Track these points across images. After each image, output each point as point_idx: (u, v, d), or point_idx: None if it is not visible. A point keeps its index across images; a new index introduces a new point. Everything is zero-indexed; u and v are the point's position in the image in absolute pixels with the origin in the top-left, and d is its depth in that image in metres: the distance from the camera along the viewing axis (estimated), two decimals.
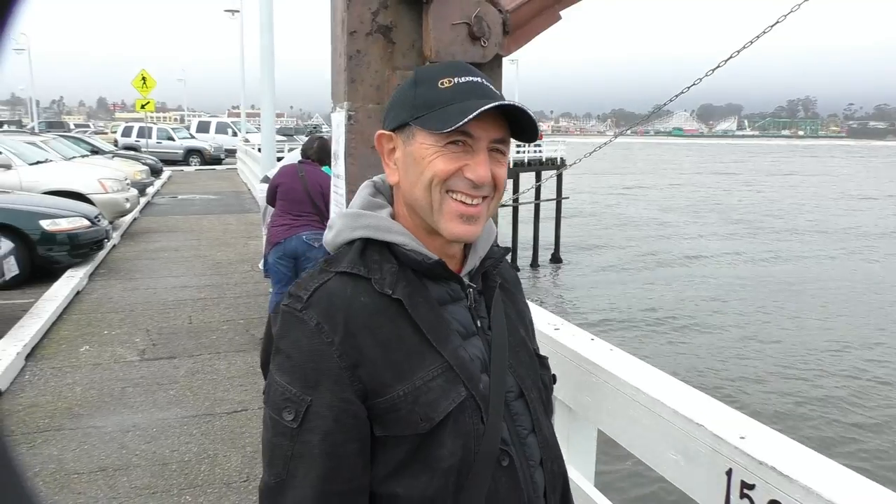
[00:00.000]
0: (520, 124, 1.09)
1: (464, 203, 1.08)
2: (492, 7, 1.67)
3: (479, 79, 1.10)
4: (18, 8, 0.31)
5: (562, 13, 1.82)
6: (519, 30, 1.77)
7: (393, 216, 1.17)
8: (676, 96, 3.79)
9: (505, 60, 1.99)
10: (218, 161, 30.30)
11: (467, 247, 1.19)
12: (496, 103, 1.02)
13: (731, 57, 3.37)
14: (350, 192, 1.82)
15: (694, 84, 3.43)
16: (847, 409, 8.36)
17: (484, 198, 1.10)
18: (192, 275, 9.08)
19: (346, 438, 1.02)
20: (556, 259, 25.52)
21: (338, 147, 1.91)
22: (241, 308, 7.48)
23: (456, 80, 1.08)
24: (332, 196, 2.03)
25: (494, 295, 1.21)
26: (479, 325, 1.15)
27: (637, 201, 30.01)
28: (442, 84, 1.08)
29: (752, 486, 1.54)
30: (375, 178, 1.25)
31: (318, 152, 5.96)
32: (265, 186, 6.69)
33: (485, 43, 1.69)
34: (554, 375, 1.35)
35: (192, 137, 31.87)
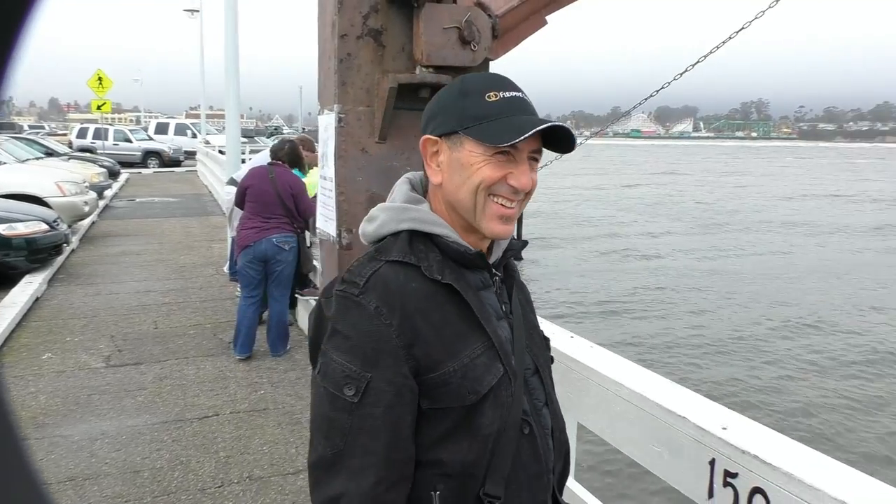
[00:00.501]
0: (555, 138, 1.20)
1: (504, 206, 1.20)
2: (481, 12, 1.70)
3: (520, 94, 1.21)
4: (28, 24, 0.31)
5: (547, 18, 1.86)
6: (507, 34, 1.81)
7: (430, 211, 1.27)
8: (640, 103, 3.87)
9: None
10: (177, 163, 29.74)
11: (493, 241, 1.31)
12: (548, 125, 1.14)
13: (696, 63, 3.46)
14: (340, 194, 1.84)
15: (657, 92, 3.51)
16: (808, 393, 8.61)
17: (519, 201, 1.22)
18: (156, 279, 8.92)
19: (404, 411, 1.13)
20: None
21: (326, 149, 1.92)
22: (207, 312, 7.37)
23: (502, 94, 1.19)
24: (320, 197, 2.04)
25: (515, 283, 1.36)
26: (503, 309, 1.28)
27: (595, 201, 30.44)
28: (489, 97, 1.18)
29: (735, 475, 1.61)
30: (410, 175, 1.36)
31: (289, 154, 5.92)
32: (232, 189, 6.61)
33: (475, 47, 1.72)
34: (552, 357, 1.47)
35: (151, 139, 31.21)
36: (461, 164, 1.19)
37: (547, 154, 1.32)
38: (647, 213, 26.99)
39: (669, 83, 3.53)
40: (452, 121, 1.20)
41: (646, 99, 3.92)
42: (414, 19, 1.75)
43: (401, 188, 1.32)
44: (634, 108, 4.19)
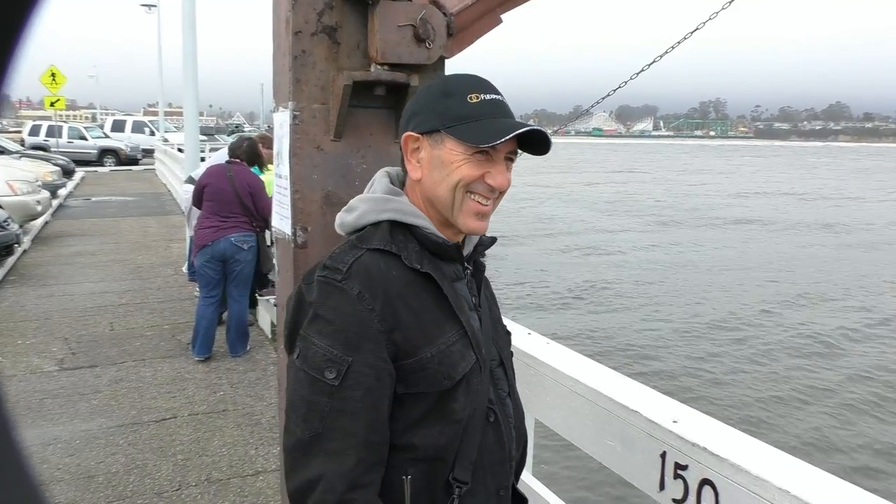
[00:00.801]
0: (530, 140, 1.24)
1: (480, 203, 1.25)
2: (436, 10, 1.71)
3: (500, 97, 1.26)
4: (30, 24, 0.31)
5: (503, 16, 1.88)
6: (462, 32, 1.81)
7: (410, 203, 1.31)
8: (599, 102, 3.92)
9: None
10: (134, 161, 29.13)
11: (464, 237, 1.36)
12: (528, 128, 1.19)
13: (650, 64, 3.51)
14: (296, 192, 1.82)
15: (613, 92, 3.56)
16: (759, 385, 8.83)
17: (495, 199, 1.27)
18: (112, 280, 8.74)
19: (383, 394, 1.17)
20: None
21: (281, 147, 1.90)
22: (165, 313, 7.25)
23: (483, 96, 1.24)
24: (276, 196, 2.02)
25: (483, 277, 1.42)
26: (473, 301, 1.34)
27: (557, 199, 30.75)
28: (471, 99, 1.23)
29: (685, 467, 1.64)
30: (389, 169, 1.40)
31: (247, 152, 5.84)
32: (190, 187, 6.50)
33: (429, 45, 1.72)
34: (512, 351, 1.52)
35: (107, 137, 30.49)
36: (441, 162, 1.23)
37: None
38: (606, 211, 27.35)
39: (626, 83, 3.58)
40: (434, 119, 1.24)
41: (600, 101, 3.96)
42: (369, 17, 1.75)
43: (381, 181, 1.36)
44: (590, 108, 4.24)
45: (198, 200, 5.78)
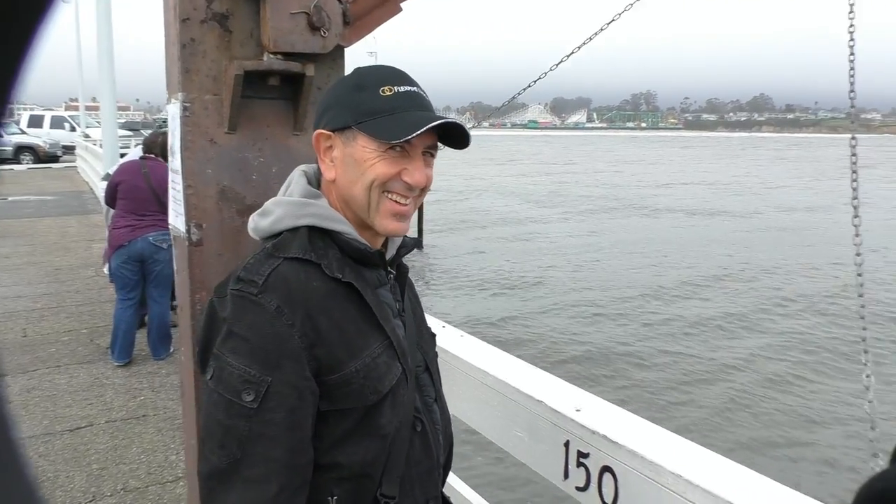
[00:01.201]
0: (451, 134, 1.20)
1: (398, 203, 1.18)
2: None
3: (415, 88, 1.19)
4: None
5: (402, 5, 1.84)
6: (359, 21, 1.77)
7: (329, 206, 1.24)
8: (520, 93, 3.95)
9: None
10: (54, 159, 27.84)
11: (386, 237, 1.30)
12: (441, 121, 1.13)
13: (561, 61, 3.54)
14: (188, 187, 1.75)
15: (532, 83, 3.58)
16: (665, 370, 9.11)
17: (414, 198, 1.21)
18: (26, 283, 8.33)
19: (305, 413, 1.09)
20: (418, 245, 26.27)
21: (174, 140, 1.83)
22: (83, 317, 6.96)
23: (397, 88, 1.16)
24: (170, 191, 1.94)
25: (406, 280, 1.37)
26: (398, 307, 1.28)
27: (492, 191, 31.02)
28: (384, 92, 1.16)
29: (586, 455, 1.65)
30: (306, 168, 1.31)
31: (163, 147, 5.64)
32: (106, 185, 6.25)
33: (325, 33, 1.68)
34: (436, 353, 1.48)
35: (23, 133, 29.05)
36: (355, 160, 1.16)
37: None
38: (539, 202, 27.76)
39: (534, 83, 3.61)
40: (346, 115, 1.17)
41: (521, 91, 3.99)
42: (260, 4, 1.69)
43: (299, 181, 1.27)
44: (516, 95, 4.28)
45: (111, 199, 5.54)
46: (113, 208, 5.58)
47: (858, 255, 1.96)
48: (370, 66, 1.25)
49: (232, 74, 1.66)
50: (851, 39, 2.20)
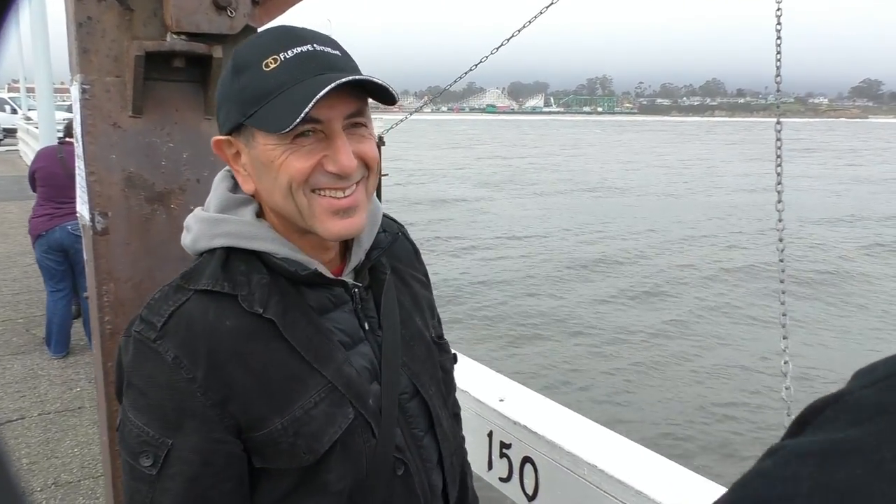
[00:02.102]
0: (369, 89, 0.93)
1: (334, 198, 0.94)
2: None
3: (310, 46, 0.91)
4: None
5: None
6: (270, 0, 1.70)
7: (259, 214, 1.01)
8: (459, 77, 3.91)
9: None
10: None
11: (350, 239, 1.05)
12: (327, 88, 0.85)
13: (500, 45, 3.51)
14: (91, 174, 1.67)
15: (472, 68, 3.55)
16: (595, 361, 9.25)
17: (356, 184, 0.95)
18: None
19: (217, 480, 0.92)
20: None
21: (76, 125, 1.74)
22: (20, 306, 6.71)
23: (283, 55, 0.90)
24: (77, 178, 1.85)
25: (385, 289, 1.09)
26: (367, 327, 1.04)
27: (450, 177, 31.06)
28: (266, 66, 0.90)
29: (509, 446, 1.63)
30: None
31: None
32: None
33: (231, 13, 1.60)
34: (455, 355, 1.28)
35: None
36: (263, 164, 0.93)
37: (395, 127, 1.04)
38: (496, 187, 27.87)
39: (475, 65, 3.58)
40: (234, 111, 0.93)
41: (463, 75, 3.94)
42: None
43: (217, 188, 1.04)
44: (448, 87, 4.25)
45: (33, 186, 5.30)
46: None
47: (781, 240, 1.98)
48: (252, 37, 1.00)
49: (133, 55, 1.57)
50: (778, 23, 2.21)
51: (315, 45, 0.92)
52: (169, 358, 0.90)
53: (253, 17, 1.66)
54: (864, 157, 47.79)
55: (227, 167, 1.05)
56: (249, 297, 0.94)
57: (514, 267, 13.87)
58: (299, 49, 0.90)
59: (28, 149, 19.58)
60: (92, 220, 1.68)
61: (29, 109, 28.98)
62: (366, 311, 1.05)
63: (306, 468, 0.95)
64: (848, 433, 0.42)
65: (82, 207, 1.78)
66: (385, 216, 1.15)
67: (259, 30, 1.77)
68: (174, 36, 1.59)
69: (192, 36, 1.60)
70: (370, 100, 0.96)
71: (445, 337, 1.25)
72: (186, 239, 1.04)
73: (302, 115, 0.85)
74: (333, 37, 0.97)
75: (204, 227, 1.01)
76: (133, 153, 1.69)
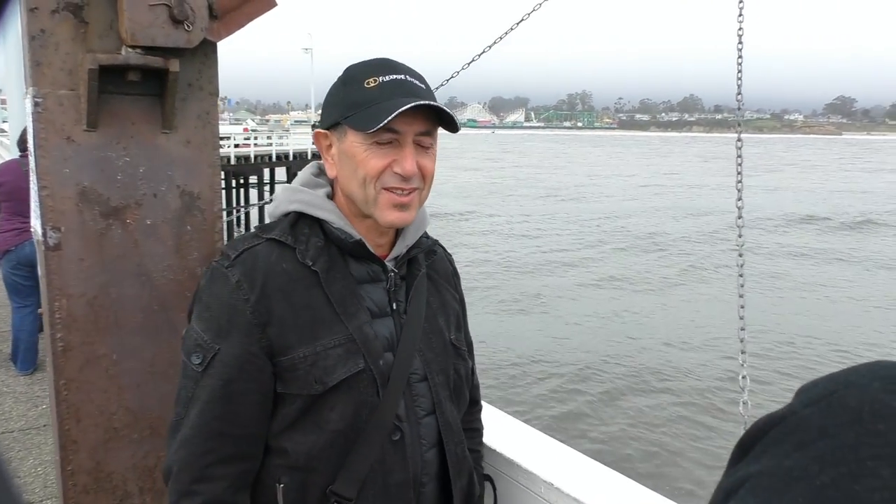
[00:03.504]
0: (440, 116, 1.17)
1: (396, 195, 1.17)
2: None
3: (402, 76, 1.18)
4: None
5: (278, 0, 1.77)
6: (228, 14, 1.69)
7: (330, 196, 1.26)
8: (435, 89, 3.90)
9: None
10: None
11: (399, 235, 1.29)
12: (409, 105, 1.09)
13: (480, 55, 3.51)
14: (43, 188, 1.64)
15: (444, 83, 3.54)
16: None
17: (414, 189, 1.19)
18: None
19: (247, 388, 1.12)
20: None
21: (29, 138, 1.71)
22: None
23: (381, 79, 1.16)
24: (31, 192, 1.82)
25: (416, 282, 1.29)
26: (394, 307, 1.25)
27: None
28: (368, 84, 1.16)
29: None
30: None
31: None
32: None
33: (189, 27, 1.59)
34: (473, 368, 1.42)
35: None
36: (348, 156, 1.18)
37: None
38: (480, 198, 28.01)
39: (452, 77, 3.58)
40: (336, 112, 1.19)
41: (438, 87, 3.94)
42: None
43: (305, 170, 1.31)
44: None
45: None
46: None
47: (741, 255, 1.99)
48: (360, 62, 1.24)
49: (86, 69, 1.55)
50: (740, 42, 2.23)
51: (407, 77, 1.19)
52: (233, 280, 1.15)
53: (211, 30, 1.65)
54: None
55: (315, 162, 1.33)
56: (305, 251, 1.18)
57: (473, 274, 13.95)
58: (394, 76, 1.18)
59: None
60: (44, 234, 1.65)
61: (3, 122, 28.65)
62: (396, 294, 1.26)
63: (314, 398, 1.13)
64: (792, 459, 0.42)
65: (35, 222, 1.75)
66: (439, 242, 1.41)
67: (218, 44, 1.76)
68: (129, 49, 1.57)
69: (149, 49, 1.58)
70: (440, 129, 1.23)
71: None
72: (271, 206, 1.29)
73: (385, 121, 1.10)
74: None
75: (286, 194, 1.27)
76: (87, 167, 1.66)
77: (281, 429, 1.16)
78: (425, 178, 1.21)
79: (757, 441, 0.45)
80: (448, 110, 1.16)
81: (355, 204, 1.21)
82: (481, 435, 1.49)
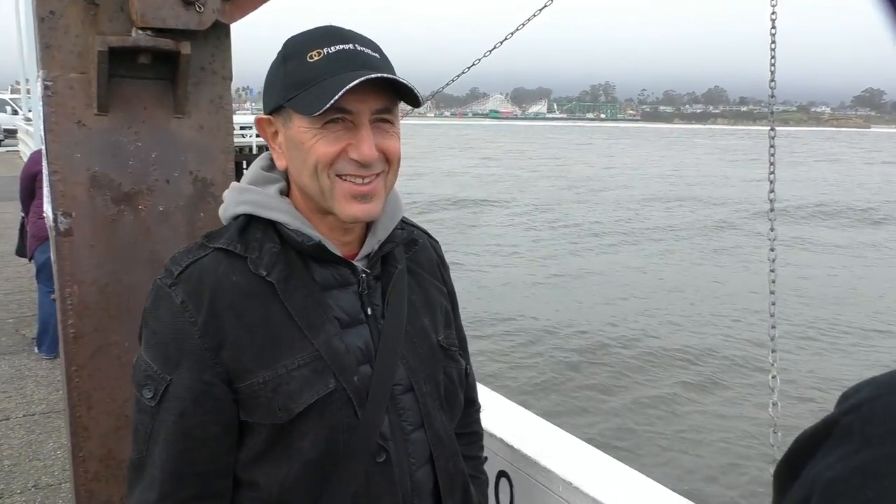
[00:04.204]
0: (399, 89, 1.01)
1: (355, 184, 1.01)
2: None
3: (351, 45, 1.00)
4: None
5: None
6: None
7: (285, 192, 1.10)
8: (454, 79, 3.86)
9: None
10: None
11: (368, 230, 1.12)
12: (359, 80, 0.93)
13: (482, 57, 3.47)
14: (54, 172, 1.61)
15: (465, 70, 3.50)
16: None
17: (377, 175, 1.03)
18: None
19: (205, 420, 1.00)
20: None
21: (40, 123, 1.68)
22: (11, 306, 6.67)
23: (326, 50, 0.99)
24: (44, 177, 1.80)
25: (393, 280, 1.13)
26: (369, 312, 1.09)
27: (441, 183, 31.22)
28: (311, 57, 0.99)
29: (485, 459, 1.58)
30: None
31: None
32: None
33: (200, 8, 1.55)
34: (468, 367, 1.27)
35: None
36: (295, 144, 1.02)
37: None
38: (501, 190, 27.91)
39: (480, 60, 3.53)
40: (277, 93, 1.03)
41: (457, 77, 3.90)
42: None
43: (254, 165, 1.14)
44: (445, 86, 4.20)
45: (30, 192, 5.20)
46: (29, 201, 5.24)
47: (772, 250, 1.92)
48: (302, 32, 1.07)
49: (96, 51, 1.52)
50: (773, 27, 2.16)
51: (356, 45, 1.01)
52: (178, 301, 1.00)
53: (223, 12, 1.61)
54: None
55: (266, 153, 1.14)
56: (258, 260, 1.02)
57: (495, 272, 13.87)
58: (342, 46, 1.00)
59: (28, 149, 19.56)
60: (55, 220, 1.63)
61: (29, 110, 28.98)
62: (371, 298, 1.10)
63: (281, 427, 1.00)
64: (834, 470, 0.39)
65: (47, 207, 1.72)
66: (418, 227, 1.25)
67: (231, 26, 1.72)
68: (139, 31, 1.54)
69: (159, 31, 1.55)
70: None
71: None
72: (220, 209, 1.13)
73: (331, 101, 0.93)
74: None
75: (232, 195, 1.10)
76: (98, 152, 1.64)
77: (249, 460, 1.03)
78: (390, 161, 1.04)
79: (808, 458, 0.42)
80: (407, 82, 0.99)
81: (312, 199, 1.05)
82: (481, 438, 1.34)
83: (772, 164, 2.12)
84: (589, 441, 1.60)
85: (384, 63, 1.03)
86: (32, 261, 5.49)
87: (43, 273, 5.30)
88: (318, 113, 0.95)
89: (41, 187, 5.13)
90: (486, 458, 1.34)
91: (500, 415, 1.64)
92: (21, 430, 4.18)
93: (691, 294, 12.87)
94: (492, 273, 14.11)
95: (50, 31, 1.53)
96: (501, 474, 1.54)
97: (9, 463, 3.79)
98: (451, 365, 1.18)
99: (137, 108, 1.66)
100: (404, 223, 1.18)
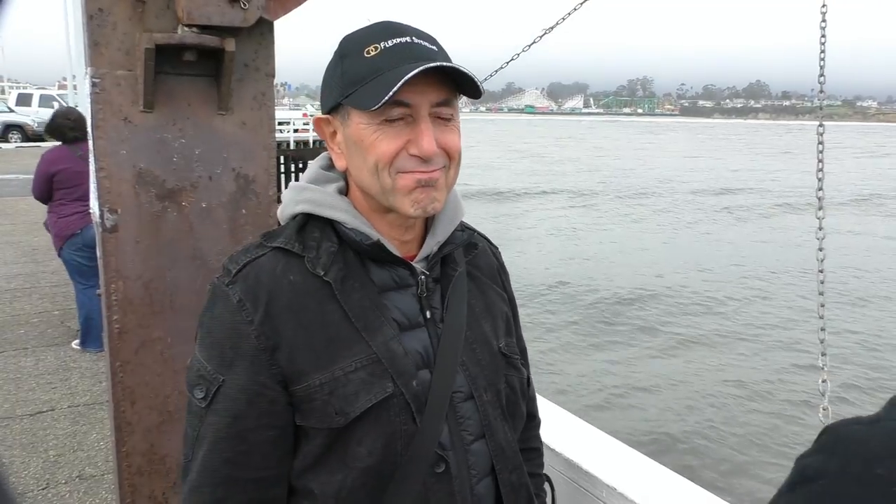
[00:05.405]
0: (459, 81, 0.98)
1: (417, 171, 0.98)
2: None
3: (408, 38, 0.98)
4: None
5: None
6: None
7: (344, 191, 1.08)
8: (491, 74, 3.83)
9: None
10: (42, 138, 27.53)
11: (427, 231, 1.09)
12: (417, 70, 0.90)
13: (531, 44, 3.43)
14: (101, 169, 1.63)
15: (504, 66, 3.47)
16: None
17: (439, 170, 0.99)
18: (2, 263, 8.19)
19: (258, 424, 0.96)
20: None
21: (88, 119, 1.70)
22: (57, 298, 6.83)
23: (383, 44, 0.97)
24: (91, 174, 1.82)
25: (453, 283, 1.09)
26: (428, 315, 1.05)
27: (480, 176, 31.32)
28: (368, 53, 0.97)
29: None
30: None
31: (56, 130, 5.33)
32: None
33: (245, 5, 1.55)
34: (529, 378, 1.23)
35: (11, 111, 28.69)
36: (354, 143, 0.99)
37: None
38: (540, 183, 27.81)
39: (518, 55, 3.51)
40: (334, 91, 1.00)
41: (495, 72, 3.88)
42: None
43: (314, 163, 1.12)
44: (487, 78, 4.15)
45: (47, 192, 5.28)
46: (46, 201, 5.34)
47: (821, 249, 1.86)
48: (356, 30, 1.04)
49: (143, 48, 1.53)
50: (823, 20, 2.09)
51: (413, 38, 0.98)
52: (234, 300, 0.97)
53: (267, 9, 1.61)
54: None
55: (325, 153, 1.12)
56: (315, 259, 1.00)
57: (538, 267, 13.80)
58: (398, 40, 0.97)
59: None
60: (101, 216, 1.64)
61: (75, 106, 29.72)
62: (430, 301, 1.06)
63: (337, 432, 0.96)
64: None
65: (94, 203, 1.75)
66: (478, 232, 1.22)
67: (275, 22, 1.72)
68: (185, 28, 1.54)
69: (205, 28, 1.55)
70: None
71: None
72: (279, 208, 1.12)
73: (390, 94, 0.90)
74: None
75: (291, 194, 1.08)
76: (144, 149, 1.65)
77: (305, 467, 1.00)
78: (451, 156, 1.00)
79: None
80: (467, 70, 0.95)
81: (372, 197, 1.02)
82: (541, 455, 1.29)
83: (820, 160, 2.06)
84: (631, 443, 1.56)
85: (442, 55, 1.00)
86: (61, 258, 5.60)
87: (76, 271, 5.41)
88: (377, 106, 0.92)
89: (59, 189, 5.24)
90: (547, 475, 1.29)
91: (542, 417, 1.61)
92: (66, 421, 4.27)
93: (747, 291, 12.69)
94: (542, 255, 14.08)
95: (98, 28, 1.54)
96: (543, 478, 1.51)
97: (54, 453, 3.88)
98: (513, 374, 1.14)
99: (182, 104, 1.67)
100: (463, 227, 1.14)
